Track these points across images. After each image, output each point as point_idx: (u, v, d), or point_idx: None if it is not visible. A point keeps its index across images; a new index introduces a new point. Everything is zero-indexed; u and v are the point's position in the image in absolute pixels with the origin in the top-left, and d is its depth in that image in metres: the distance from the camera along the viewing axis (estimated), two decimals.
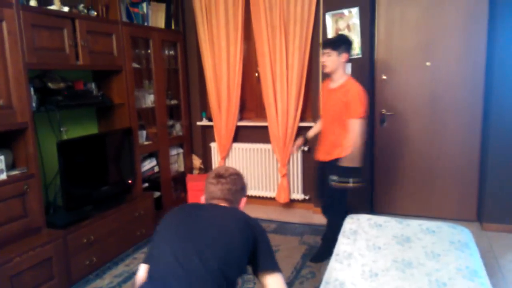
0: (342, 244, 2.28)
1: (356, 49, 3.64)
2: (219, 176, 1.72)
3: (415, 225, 2.49)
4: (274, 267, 1.57)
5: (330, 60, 2.76)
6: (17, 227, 2.57)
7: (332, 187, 2.77)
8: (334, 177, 2.75)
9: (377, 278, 1.91)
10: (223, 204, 1.69)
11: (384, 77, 3.78)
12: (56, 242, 2.67)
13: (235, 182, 1.72)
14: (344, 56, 2.77)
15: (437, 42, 3.58)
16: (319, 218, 3.95)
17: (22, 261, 2.43)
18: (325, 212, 3.07)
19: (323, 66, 2.82)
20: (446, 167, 3.72)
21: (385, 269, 1.98)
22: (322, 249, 3.06)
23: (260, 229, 1.65)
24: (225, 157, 4.43)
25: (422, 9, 3.58)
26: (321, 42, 2.82)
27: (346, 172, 2.72)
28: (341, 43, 2.78)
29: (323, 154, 2.96)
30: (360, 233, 2.40)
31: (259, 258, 1.56)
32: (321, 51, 2.84)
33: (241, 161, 4.40)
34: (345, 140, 2.74)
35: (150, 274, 1.48)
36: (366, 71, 3.72)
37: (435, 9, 3.54)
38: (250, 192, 4.43)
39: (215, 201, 1.70)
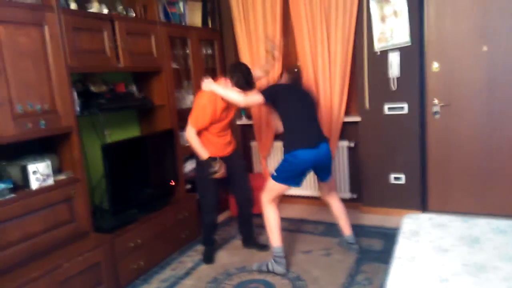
0: (403, 246, 2.10)
1: (405, 36, 3.42)
2: None
3: (483, 224, 2.28)
4: None
5: None
6: (65, 232, 2.56)
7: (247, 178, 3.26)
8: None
9: (448, 284, 1.72)
10: None
11: (437, 65, 3.53)
12: (104, 247, 2.64)
13: None
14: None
15: (495, 24, 3.29)
16: (369, 219, 3.78)
17: (71, 266, 2.41)
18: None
19: None
20: (507, 160, 3.42)
21: (455, 274, 1.79)
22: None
23: None
24: (266, 156, 4.31)
25: None
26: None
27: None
28: None
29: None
30: (421, 234, 2.22)
31: None
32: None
33: None
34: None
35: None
36: (415, 59, 3.49)
37: None
38: (293, 191, 4.28)
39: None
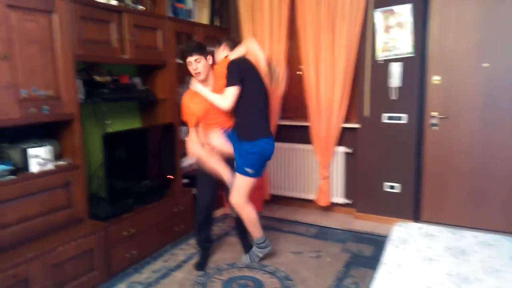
0: (391, 253, 2.14)
1: (408, 47, 3.47)
2: None
3: (470, 237, 2.32)
4: None
5: (201, 65, 2.72)
6: (61, 217, 2.60)
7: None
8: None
9: None
10: None
11: (437, 77, 3.58)
12: (98, 234, 2.69)
13: None
14: (210, 59, 2.81)
15: (496, 42, 3.34)
16: (361, 224, 3.82)
17: (65, 251, 2.46)
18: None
19: (197, 74, 2.74)
20: (503, 176, 3.46)
21: (439, 283, 1.83)
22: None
23: None
24: None
25: (480, 6, 3.35)
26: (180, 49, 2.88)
27: None
28: (203, 47, 2.78)
29: None
30: (410, 242, 2.26)
31: None
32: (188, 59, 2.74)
33: (281, 161, 4.31)
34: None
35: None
36: (417, 71, 3.53)
37: (495, 7, 3.31)
38: (289, 193, 4.34)
39: None
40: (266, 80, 3.01)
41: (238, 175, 2.78)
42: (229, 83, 2.69)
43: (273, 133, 4.18)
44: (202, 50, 2.72)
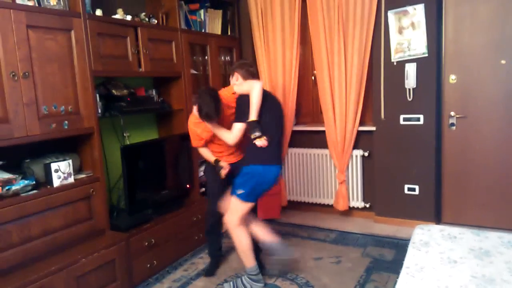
0: (413, 256, 2.11)
1: (422, 48, 3.44)
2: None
3: (494, 237, 2.27)
4: None
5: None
6: (83, 228, 2.66)
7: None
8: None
9: None
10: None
11: (454, 76, 3.53)
12: (120, 245, 2.72)
13: None
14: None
15: None
16: (381, 228, 3.78)
17: (88, 262, 2.50)
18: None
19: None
20: None
21: (463, 285, 1.80)
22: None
23: None
24: None
25: (496, 4, 3.30)
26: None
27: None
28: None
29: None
30: (432, 245, 2.23)
31: None
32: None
33: (297, 167, 4.30)
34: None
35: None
36: (432, 71, 3.49)
37: (510, 2, 3.25)
38: (306, 199, 4.32)
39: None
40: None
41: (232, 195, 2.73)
42: (237, 119, 2.66)
43: (289, 139, 4.22)
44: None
